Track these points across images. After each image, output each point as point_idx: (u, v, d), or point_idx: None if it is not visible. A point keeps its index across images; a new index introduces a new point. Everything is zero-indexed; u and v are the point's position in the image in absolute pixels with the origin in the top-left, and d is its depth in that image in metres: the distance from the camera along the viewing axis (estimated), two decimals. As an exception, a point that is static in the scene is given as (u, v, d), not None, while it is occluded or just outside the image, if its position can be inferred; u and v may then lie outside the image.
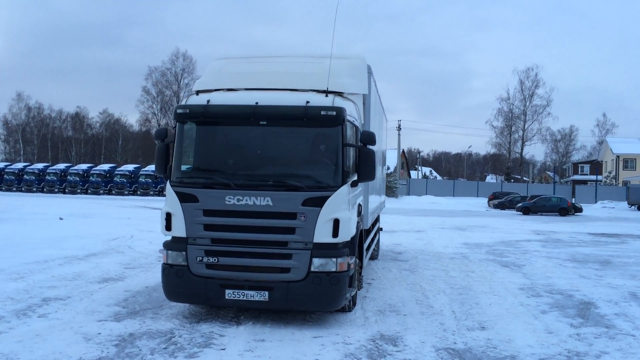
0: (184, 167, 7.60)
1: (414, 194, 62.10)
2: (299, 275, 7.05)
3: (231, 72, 7.97)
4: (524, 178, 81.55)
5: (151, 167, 63.03)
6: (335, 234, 7.06)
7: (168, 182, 7.47)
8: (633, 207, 55.54)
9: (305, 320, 7.59)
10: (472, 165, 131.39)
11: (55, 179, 59.09)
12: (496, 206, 50.76)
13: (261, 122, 7.22)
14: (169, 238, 7.54)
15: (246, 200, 7.06)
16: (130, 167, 63.82)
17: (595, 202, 60.52)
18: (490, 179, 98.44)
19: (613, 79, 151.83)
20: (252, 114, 7.17)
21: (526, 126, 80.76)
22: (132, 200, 46.52)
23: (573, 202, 44.23)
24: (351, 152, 7.61)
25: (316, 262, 7.03)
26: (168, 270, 7.34)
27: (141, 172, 61.93)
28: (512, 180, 75.50)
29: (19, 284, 9.60)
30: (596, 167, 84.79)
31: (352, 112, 7.75)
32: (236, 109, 7.26)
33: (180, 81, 78.40)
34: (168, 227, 7.35)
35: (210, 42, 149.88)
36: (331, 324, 7.45)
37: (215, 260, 7.17)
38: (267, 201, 7.03)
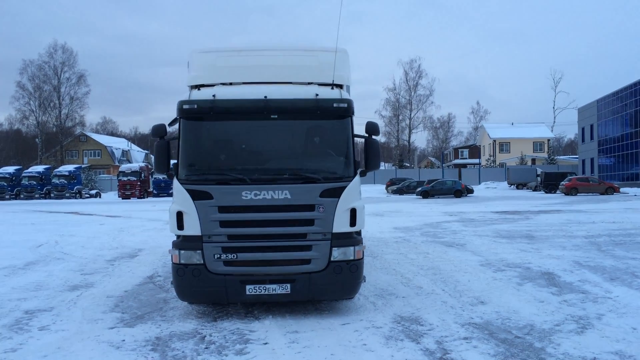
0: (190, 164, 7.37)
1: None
2: (320, 266, 7.17)
3: (227, 65, 7.83)
4: (406, 164, 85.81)
5: (36, 169, 58.89)
6: (352, 223, 7.26)
7: (176, 180, 7.23)
8: (512, 186, 60.55)
9: (318, 309, 7.72)
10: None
11: None
12: (394, 192, 53.11)
13: (272, 116, 7.22)
14: (174, 238, 7.32)
15: (264, 195, 7.03)
16: (39, 168, 59.35)
17: (479, 183, 65.21)
18: (382, 166, 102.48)
19: (478, 70, 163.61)
20: (264, 108, 7.15)
21: (412, 115, 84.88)
22: (17, 205, 43.19)
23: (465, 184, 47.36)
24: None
25: (336, 251, 7.19)
26: (182, 270, 7.12)
27: (23, 174, 57.65)
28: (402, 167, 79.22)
29: (-20, 299, 8.79)
30: (475, 151, 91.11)
31: None
32: (247, 103, 7.19)
33: (61, 75, 73.42)
34: (180, 226, 7.13)
35: (77, 34, 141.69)
36: (346, 311, 7.64)
37: (234, 256, 7.09)
38: (286, 194, 7.05)
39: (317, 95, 7.28)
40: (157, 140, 7.43)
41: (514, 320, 7.06)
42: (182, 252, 7.13)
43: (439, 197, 44.57)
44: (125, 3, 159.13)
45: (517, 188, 59.20)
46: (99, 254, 14.07)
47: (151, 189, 58.73)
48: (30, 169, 59.22)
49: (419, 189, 46.96)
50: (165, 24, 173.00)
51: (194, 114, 7.19)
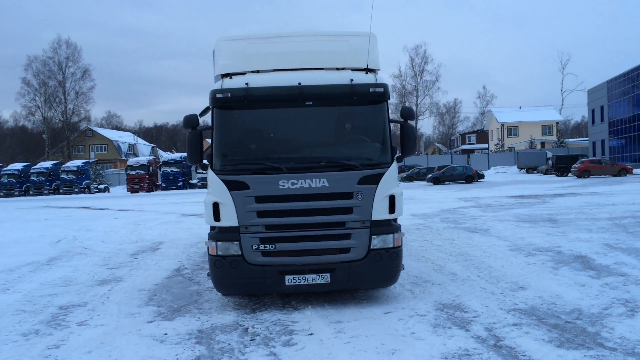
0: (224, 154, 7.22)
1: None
2: (360, 254, 7.04)
3: (257, 53, 7.64)
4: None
5: (44, 164, 59.00)
6: (392, 210, 7.12)
7: (211, 171, 7.10)
8: (522, 170, 60.23)
9: (356, 299, 7.61)
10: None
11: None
12: (404, 179, 52.89)
13: (307, 103, 7.06)
14: (203, 229, 7.19)
15: (301, 184, 6.89)
16: (47, 164, 59.58)
17: (489, 168, 64.85)
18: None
19: (482, 54, 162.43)
20: (299, 95, 6.99)
21: (419, 101, 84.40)
22: (27, 201, 43.27)
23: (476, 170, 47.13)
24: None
25: (375, 239, 7.05)
26: (220, 262, 7.00)
27: (32, 170, 57.82)
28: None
29: (11, 295, 8.73)
30: (482, 136, 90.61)
31: None
32: (281, 91, 7.03)
33: (65, 70, 73.25)
34: (217, 217, 7.00)
35: (78, 29, 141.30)
36: (385, 299, 7.52)
37: (272, 247, 6.96)
38: (323, 182, 6.91)
39: (352, 80, 7.12)
40: (189, 131, 7.28)
41: (560, 305, 6.92)
42: (220, 243, 7.00)
43: (450, 183, 44.37)
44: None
45: (527, 172, 58.87)
46: (120, 247, 14.00)
47: (160, 182, 58.78)
48: (38, 165, 59.35)
49: (430, 175, 46.75)
50: (166, 16, 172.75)
51: (228, 102, 7.03)
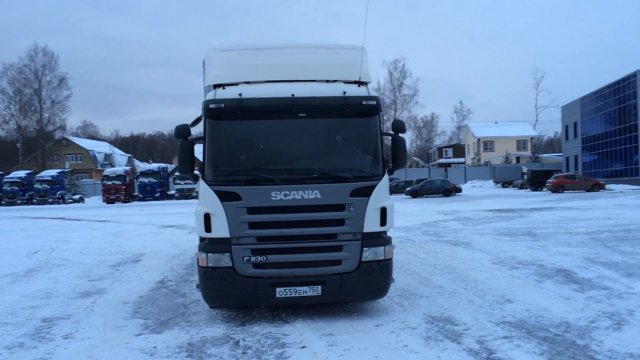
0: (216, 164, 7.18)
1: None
2: (351, 267, 7.04)
3: (249, 64, 7.65)
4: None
5: (18, 174, 57.87)
6: (383, 222, 7.15)
7: (202, 182, 7.05)
8: (498, 184, 61.03)
9: (346, 311, 7.59)
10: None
11: None
12: (382, 192, 53.05)
13: (300, 114, 7.08)
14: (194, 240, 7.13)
15: (293, 195, 6.88)
16: (21, 173, 58.44)
17: (465, 182, 65.55)
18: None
19: (459, 69, 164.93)
20: (292, 106, 7.00)
21: (397, 115, 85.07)
22: None
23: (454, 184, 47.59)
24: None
25: (367, 252, 7.07)
26: (210, 273, 6.93)
27: (4, 180, 56.68)
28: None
29: (-9, 307, 8.51)
30: (459, 150, 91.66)
31: None
32: (274, 102, 7.03)
33: (42, 79, 72.10)
34: (208, 228, 6.95)
35: (53, 36, 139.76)
36: (374, 312, 7.52)
37: (263, 258, 6.93)
38: (316, 194, 6.91)
39: (344, 92, 7.16)
40: (180, 141, 7.23)
41: (548, 318, 7.00)
42: (210, 255, 6.94)
43: (428, 197, 44.72)
44: (101, 5, 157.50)
45: (503, 186, 59.68)
46: (100, 259, 13.78)
47: (136, 193, 58.07)
48: (11, 174, 58.18)
49: (408, 188, 47.07)
50: (143, 25, 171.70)
51: (221, 113, 7.01)
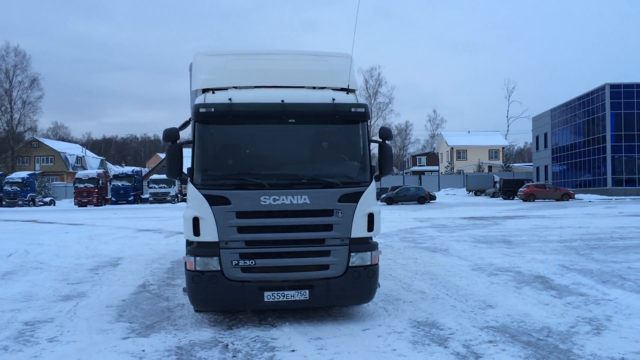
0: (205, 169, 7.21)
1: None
2: (339, 271, 7.12)
3: (239, 69, 7.70)
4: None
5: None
6: (370, 228, 7.25)
7: (191, 185, 7.06)
8: (471, 192, 61.88)
9: (332, 316, 7.67)
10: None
11: None
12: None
13: (289, 120, 7.15)
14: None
15: (282, 200, 6.95)
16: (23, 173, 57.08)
17: (439, 189, 66.26)
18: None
19: (432, 79, 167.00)
20: (282, 112, 7.07)
21: (372, 122, 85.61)
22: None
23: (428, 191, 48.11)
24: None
25: (354, 257, 7.16)
26: (198, 277, 6.94)
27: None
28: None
29: (-31, 311, 8.35)
30: (433, 158, 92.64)
31: None
32: (264, 107, 7.10)
33: (13, 79, 70.69)
34: (196, 232, 6.96)
35: (24, 36, 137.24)
36: (360, 317, 7.61)
37: (252, 262, 6.96)
38: (305, 199, 6.99)
39: (334, 99, 7.27)
40: (169, 145, 7.24)
41: (529, 323, 7.18)
42: (199, 258, 6.95)
43: (403, 204, 45.13)
44: (75, 6, 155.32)
45: (476, 195, 60.52)
46: (77, 262, 13.59)
47: (109, 196, 57.27)
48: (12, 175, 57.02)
49: (384, 195, 47.40)
50: (117, 27, 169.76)
51: (211, 117, 7.04)
